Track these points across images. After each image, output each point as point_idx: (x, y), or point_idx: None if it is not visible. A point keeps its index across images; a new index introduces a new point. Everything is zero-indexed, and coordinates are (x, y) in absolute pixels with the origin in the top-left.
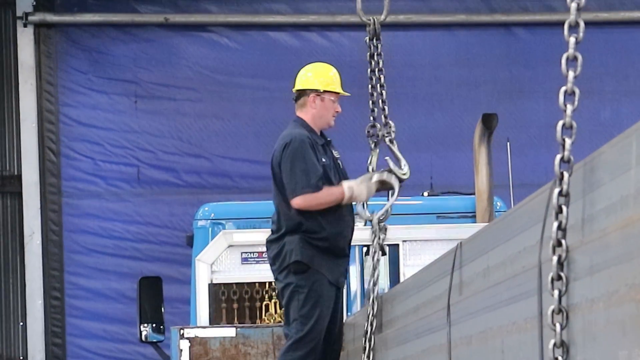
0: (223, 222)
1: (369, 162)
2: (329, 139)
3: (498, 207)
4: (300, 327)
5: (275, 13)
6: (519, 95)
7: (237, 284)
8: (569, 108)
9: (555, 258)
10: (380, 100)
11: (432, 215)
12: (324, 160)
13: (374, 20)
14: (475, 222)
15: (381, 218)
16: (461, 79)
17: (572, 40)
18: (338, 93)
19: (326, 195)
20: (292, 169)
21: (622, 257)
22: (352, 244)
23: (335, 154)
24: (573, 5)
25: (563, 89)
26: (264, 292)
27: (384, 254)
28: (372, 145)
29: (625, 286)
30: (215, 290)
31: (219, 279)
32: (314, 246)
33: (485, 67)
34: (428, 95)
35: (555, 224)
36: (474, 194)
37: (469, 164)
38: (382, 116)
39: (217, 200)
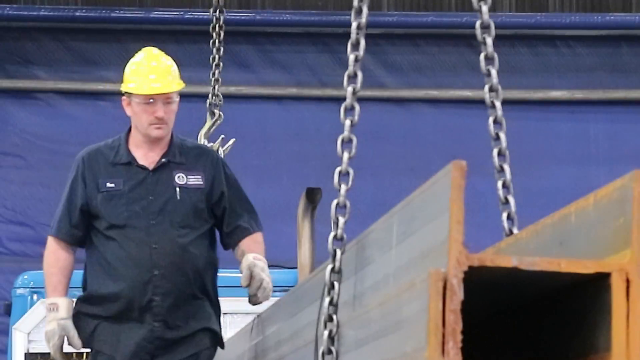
0: (42, 290)
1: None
2: (176, 159)
3: None
4: None
5: (106, 81)
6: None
7: None
8: (343, 187)
9: (326, 333)
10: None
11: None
12: (109, 185)
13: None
14: None
15: None
16: (291, 152)
17: (347, 123)
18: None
19: (46, 267)
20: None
21: (380, 333)
22: None
23: (178, 179)
24: (349, 90)
25: (338, 169)
26: None
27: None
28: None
29: None
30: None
31: (36, 348)
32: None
33: (315, 142)
34: (257, 167)
35: (327, 300)
36: (296, 267)
37: (293, 237)
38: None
39: (40, 269)
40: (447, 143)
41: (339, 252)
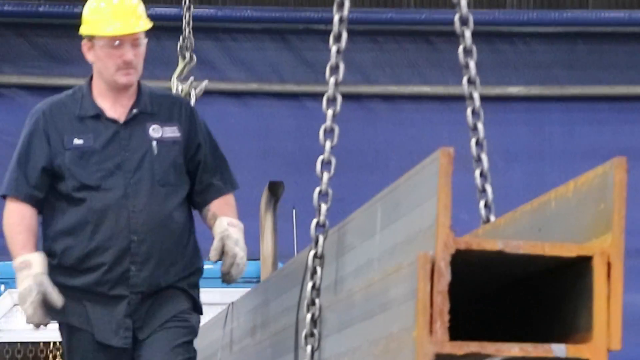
0: (9, 280)
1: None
2: (148, 109)
3: None
4: None
5: (70, 76)
6: (307, 167)
7: (21, 343)
8: (325, 176)
9: (309, 316)
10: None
11: (218, 280)
12: (77, 141)
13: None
14: None
15: None
16: (252, 148)
17: (329, 113)
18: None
19: (9, 227)
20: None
21: (364, 315)
22: None
23: (153, 132)
24: (331, 81)
25: (320, 157)
26: (49, 352)
27: None
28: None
29: (367, 342)
30: (0, 349)
31: (4, 338)
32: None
33: (275, 137)
34: None
35: (310, 284)
36: (259, 259)
37: (255, 232)
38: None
39: (5, 260)
40: (404, 139)
41: (321, 238)
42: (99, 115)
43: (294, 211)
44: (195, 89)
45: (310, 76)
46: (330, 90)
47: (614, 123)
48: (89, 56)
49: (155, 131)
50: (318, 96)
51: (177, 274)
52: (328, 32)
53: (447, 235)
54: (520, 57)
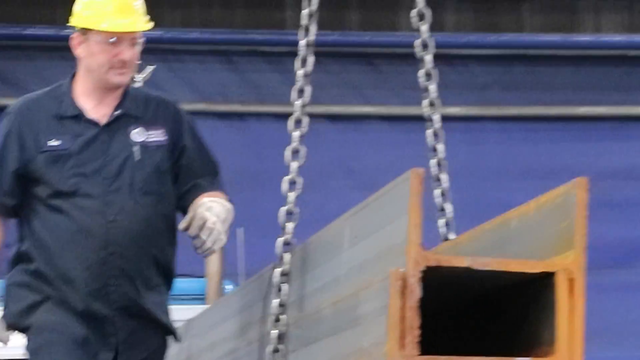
0: None
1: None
2: (132, 111)
3: (228, 290)
4: None
5: (18, 98)
6: (252, 187)
7: None
8: (291, 195)
9: (274, 332)
10: None
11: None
12: (52, 142)
13: None
14: (205, 304)
15: None
16: None
17: (296, 133)
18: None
19: None
20: None
21: (332, 330)
22: None
23: (136, 136)
24: (297, 103)
25: (286, 178)
26: None
27: None
28: None
29: (335, 357)
30: None
31: None
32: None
33: (220, 158)
34: None
35: (276, 301)
36: (204, 277)
37: None
38: None
39: None
40: (346, 158)
41: (287, 256)
42: (78, 116)
43: (238, 230)
44: (142, 75)
45: (255, 97)
46: (296, 112)
47: (549, 142)
48: (79, 51)
49: (138, 135)
50: (262, 116)
51: (159, 293)
52: (273, 54)
53: (417, 252)
54: (459, 78)
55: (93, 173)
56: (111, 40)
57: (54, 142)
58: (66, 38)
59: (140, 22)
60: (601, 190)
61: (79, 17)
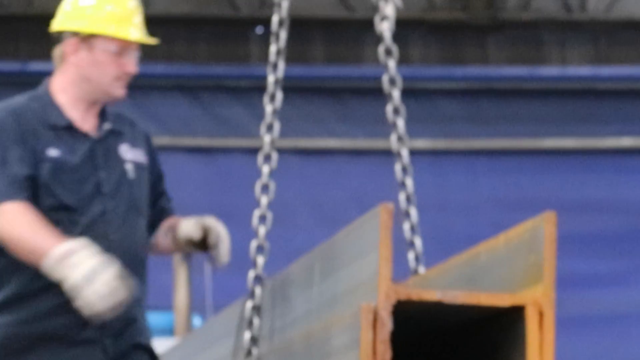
0: None
1: None
2: (116, 127)
3: (196, 324)
4: None
5: None
6: (218, 220)
7: None
8: (262, 230)
9: None
10: None
11: None
12: (52, 153)
13: None
14: (172, 338)
15: None
16: None
17: (265, 169)
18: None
19: (21, 229)
20: None
21: None
22: None
23: (125, 152)
24: (266, 139)
25: (256, 212)
26: None
27: None
28: None
29: None
30: None
31: None
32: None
33: (185, 191)
34: None
35: (248, 334)
36: (171, 310)
37: (169, 283)
38: None
39: None
40: (311, 192)
41: (258, 290)
42: (71, 127)
43: (205, 264)
44: None
45: (221, 131)
46: (265, 147)
47: (516, 175)
48: (80, 57)
49: (126, 152)
50: (228, 151)
51: (144, 319)
52: (238, 88)
53: (388, 286)
54: (425, 111)
55: (94, 189)
56: (116, 50)
57: (53, 152)
58: (31, 73)
59: (148, 35)
60: (567, 224)
61: (82, 20)
